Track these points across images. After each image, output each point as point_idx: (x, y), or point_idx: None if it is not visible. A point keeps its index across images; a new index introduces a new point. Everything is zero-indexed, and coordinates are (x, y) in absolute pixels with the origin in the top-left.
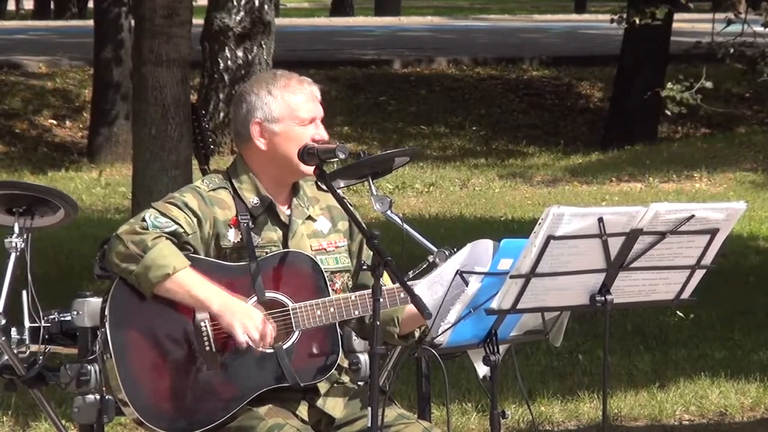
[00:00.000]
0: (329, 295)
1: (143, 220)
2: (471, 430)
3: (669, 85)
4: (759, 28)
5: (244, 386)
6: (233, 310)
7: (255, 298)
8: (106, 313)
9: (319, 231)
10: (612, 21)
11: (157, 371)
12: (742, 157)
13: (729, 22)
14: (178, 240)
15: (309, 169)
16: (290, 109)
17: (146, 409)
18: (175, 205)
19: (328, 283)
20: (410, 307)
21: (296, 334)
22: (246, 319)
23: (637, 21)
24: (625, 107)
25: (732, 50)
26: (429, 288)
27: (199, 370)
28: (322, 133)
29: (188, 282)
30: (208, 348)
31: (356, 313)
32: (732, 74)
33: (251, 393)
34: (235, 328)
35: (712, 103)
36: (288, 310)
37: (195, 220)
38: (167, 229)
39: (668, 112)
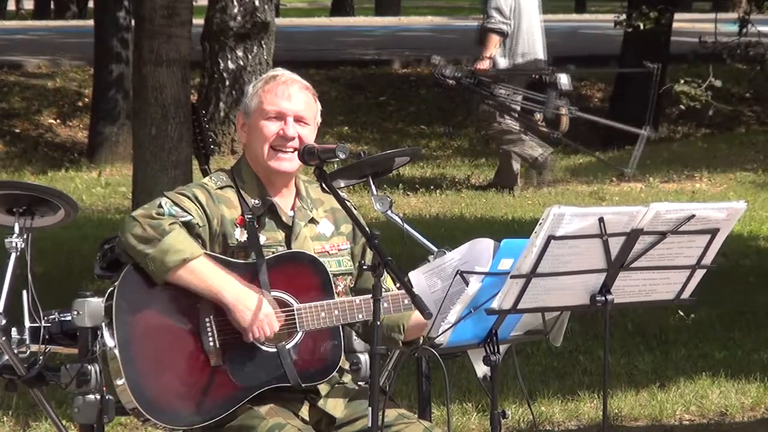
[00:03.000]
0: (334, 298)
1: (159, 206)
2: (471, 430)
3: (682, 81)
4: (762, 28)
5: (245, 384)
6: (246, 305)
7: None
8: (113, 307)
9: (322, 234)
10: (615, 25)
11: (160, 365)
12: (742, 157)
13: (743, 23)
14: (190, 231)
15: (278, 165)
16: (260, 102)
17: (148, 402)
18: (187, 197)
19: (333, 286)
20: (416, 316)
21: (299, 334)
22: (258, 317)
23: (642, 26)
24: (625, 107)
25: (739, 51)
26: (427, 279)
27: (201, 365)
28: (289, 131)
29: (203, 270)
30: (211, 344)
31: (360, 317)
32: (732, 74)
33: (252, 391)
34: (246, 325)
35: (715, 102)
36: (292, 310)
37: (204, 215)
38: (182, 219)
39: (682, 106)
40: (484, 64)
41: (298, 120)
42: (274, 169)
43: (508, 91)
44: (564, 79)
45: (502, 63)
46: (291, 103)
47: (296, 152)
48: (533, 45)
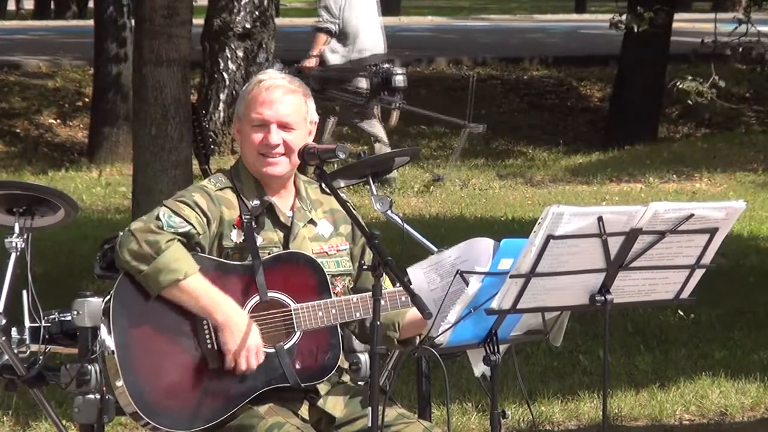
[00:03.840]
0: (331, 297)
1: (158, 218)
2: (471, 430)
3: (689, 78)
4: (762, 28)
5: (244, 385)
6: (236, 330)
7: (257, 298)
8: (110, 309)
9: (321, 234)
10: (611, 26)
11: (158, 368)
12: (742, 157)
13: (740, 22)
14: (189, 241)
15: (267, 169)
16: (247, 109)
17: (147, 405)
18: (187, 204)
19: (330, 286)
20: (411, 314)
21: (297, 334)
22: (245, 346)
23: (636, 28)
24: (625, 107)
25: (741, 49)
26: (426, 276)
27: (200, 367)
28: (272, 139)
29: (196, 290)
30: (210, 345)
31: (357, 315)
32: (732, 74)
33: (252, 392)
34: (232, 349)
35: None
36: (290, 311)
37: (204, 220)
38: (181, 230)
39: (690, 102)
40: (311, 62)
41: (283, 126)
42: (264, 173)
43: (334, 88)
44: (399, 76)
45: (333, 60)
46: (273, 110)
47: (284, 156)
48: (369, 41)
